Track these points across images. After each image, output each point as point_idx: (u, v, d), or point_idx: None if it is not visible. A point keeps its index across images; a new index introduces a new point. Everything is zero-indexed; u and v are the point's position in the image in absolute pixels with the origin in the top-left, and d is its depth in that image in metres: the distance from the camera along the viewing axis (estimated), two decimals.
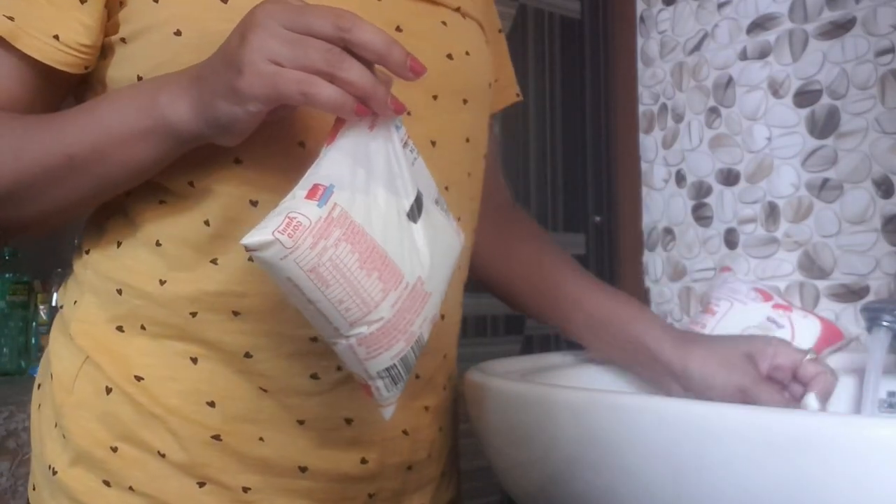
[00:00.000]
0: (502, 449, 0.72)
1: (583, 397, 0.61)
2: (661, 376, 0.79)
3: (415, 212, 0.56)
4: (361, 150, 0.54)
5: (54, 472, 0.65)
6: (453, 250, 0.60)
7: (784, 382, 0.75)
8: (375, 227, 0.53)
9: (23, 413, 1.17)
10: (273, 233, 0.49)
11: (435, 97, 0.67)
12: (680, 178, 1.17)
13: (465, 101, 0.70)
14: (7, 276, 1.56)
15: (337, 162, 0.53)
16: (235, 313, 0.62)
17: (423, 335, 0.57)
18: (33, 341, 1.57)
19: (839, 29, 0.99)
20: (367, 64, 0.53)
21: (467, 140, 0.72)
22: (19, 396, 1.23)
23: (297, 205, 0.50)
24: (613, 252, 1.16)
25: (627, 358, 0.82)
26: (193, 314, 0.62)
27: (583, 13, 1.92)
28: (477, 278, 0.87)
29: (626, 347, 0.80)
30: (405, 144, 0.57)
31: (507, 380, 0.71)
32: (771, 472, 0.50)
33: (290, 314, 0.62)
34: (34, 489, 0.68)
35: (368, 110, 0.53)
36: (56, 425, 0.66)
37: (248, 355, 0.62)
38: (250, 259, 0.52)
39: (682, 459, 0.54)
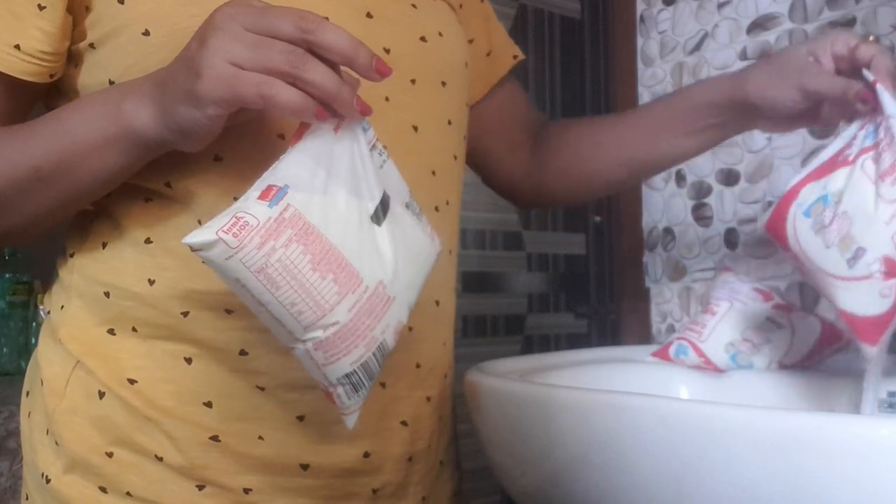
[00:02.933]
0: (502, 449, 0.72)
1: (583, 397, 0.61)
2: (738, 122, 0.78)
3: (379, 214, 0.54)
4: (325, 152, 0.53)
5: (48, 480, 0.64)
6: (425, 255, 0.59)
7: (848, 74, 0.71)
8: (333, 228, 0.51)
9: None
10: (217, 232, 0.48)
11: (413, 81, 0.67)
12: (680, 178, 1.17)
13: (443, 84, 0.70)
14: (7, 276, 1.56)
15: (296, 163, 0.52)
16: (228, 311, 0.61)
17: (386, 341, 0.55)
18: (33, 341, 1.57)
19: (839, 29, 0.99)
20: (333, 66, 0.52)
21: (449, 122, 0.71)
22: (19, 396, 1.23)
23: (247, 205, 0.49)
24: (613, 252, 1.16)
25: (707, 122, 0.80)
26: (185, 313, 0.62)
27: (583, 13, 1.92)
28: (569, 199, 0.95)
29: (704, 112, 0.79)
30: (373, 147, 0.55)
31: (507, 380, 0.71)
32: (771, 472, 0.50)
33: None
34: (27, 498, 0.67)
35: (328, 113, 0.52)
36: (48, 432, 0.65)
37: (242, 353, 0.62)
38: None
39: (683, 459, 0.54)
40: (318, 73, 0.50)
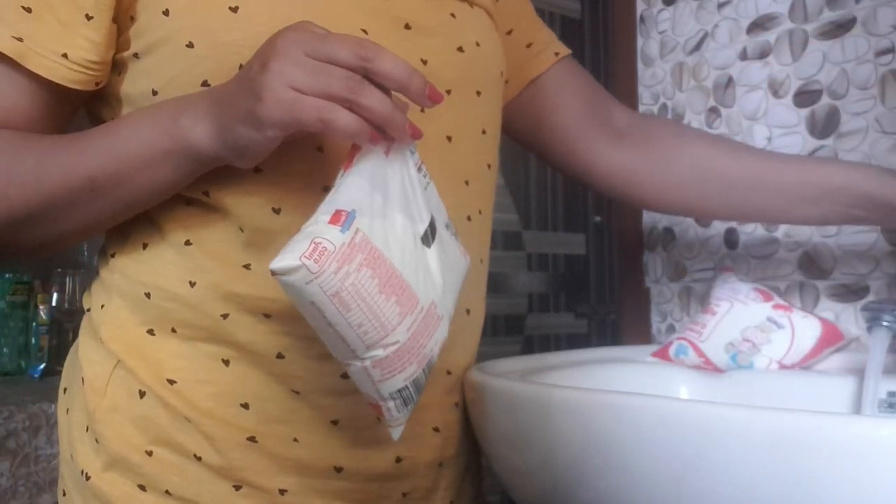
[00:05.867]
0: (502, 449, 0.72)
1: (583, 397, 0.61)
2: (881, 221, 0.78)
3: (428, 237, 0.57)
4: (378, 175, 0.54)
5: (87, 478, 0.64)
6: (460, 272, 0.61)
7: None
8: (394, 252, 0.53)
9: (23, 413, 1.17)
10: (300, 258, 0.49)
11: (448, 92, 0.67)
12: None
13: (478, 93, 0.70)
14: (7, 276, 1.56)
15: (356, 187, 0.53)
16: (266, 315, 0.62)
17: (433, 357, 0.58)
18: (33, 341, 1.57)
19: (839, 29, 0.99)
20: (385, 91, 0.53)
21: (483, 132, 0.72)
22: (19, 396, 1.23)
23: (321, 230, 0.51)
24: (613, 252, 1.16)
25: (847, 209, 0.78)
26: (224, 316, 0.62)
27: (583, 13, 1.92)
28: (656, 207, 0.89)
29: (843, 201, 0.77)
30: (419, 169, 0.57)
31: (507, 380, 0.71)
32: (771, 472, 0.50)
33: None
34: (64, 495, 0.68)
35: (383, 137, 0.54)
36: (87, 430, 0.65)
37: (279, 356, 0.63)
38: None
39: (683, 459, 0.54)
40: (374, 99, 0.52)
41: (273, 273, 0.50)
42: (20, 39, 0.60)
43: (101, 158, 0.59)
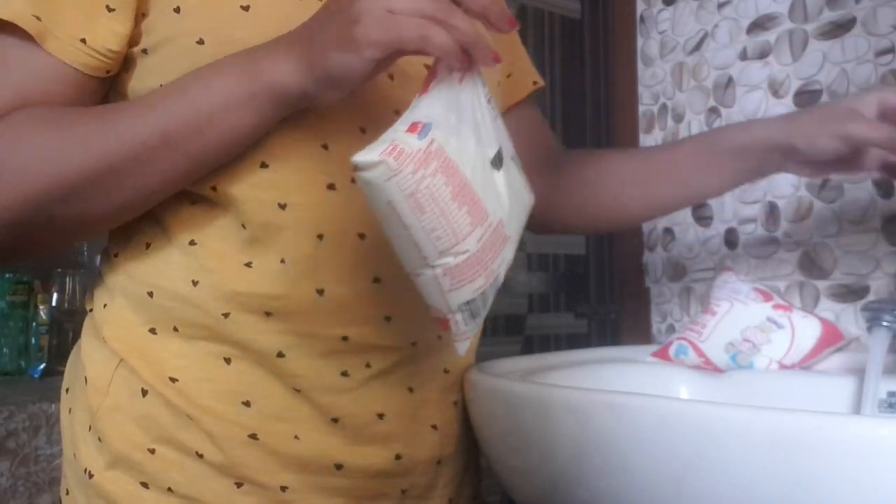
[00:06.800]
0: (502, 449, 0.72)
1: (583, 397, 0.61)
2: (774, 165, 0.79)
3: (497, 161, 0.59)
4: (453, 99, 0.57)
5: (90, 476, 0.65)
6: (525, 204, 0.63)
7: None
8: (466, 165, 0.56)
9: (23, 413, 1.17)
10: (380, 154, 0.51)
11: None
12: None
13: None
14: (7, 276, 1.57)
15: (433, 105, 0.56)
16: (267, 314, 0.63)
17: (499, 276, 0.60)
18: (33, 341, 1.57)
19: (839, 29, 0.99)
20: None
21: None
22: (19, 396, 1.23)
23: (399, 136, 0.53)
24: (613, 252, 1.16)
25: (742, 165, 0.80)
26: (226, 315, 0.63)
27: (583, 13, 1.92)
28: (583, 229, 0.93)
29: (739, 156, 0.79)
30: (489, 101, 0.59)
31: (507, 380, 0.71)
32: (771, 472, 0.50)
33: (321, 314, 0.63)
34: (67, 493, 0.68)
35: (468, 59, 0.56)
36: (90, 428, 0.66)
37: (280, 355, 0.63)
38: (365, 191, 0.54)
39: (683, 459, 0.54)
40: (464, 22, 0.55)
41: (355, 167, 0.52)
42: (38, 19, 0.60)
43: (174, 110, 0.58)
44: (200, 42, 0.61)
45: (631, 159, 0.87)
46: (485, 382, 0.71)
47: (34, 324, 1.58)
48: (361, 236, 0.64)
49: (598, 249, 2.00)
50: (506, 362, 0.84)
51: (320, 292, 0.63)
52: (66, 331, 1.60)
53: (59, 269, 1.61)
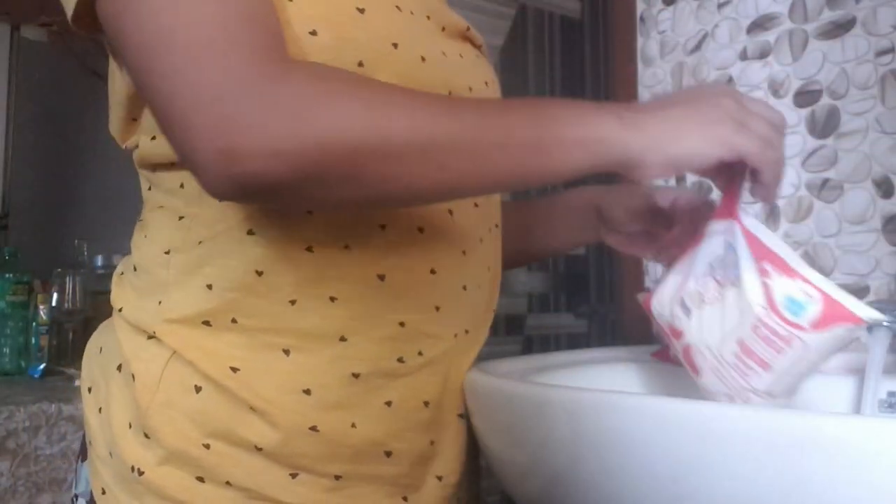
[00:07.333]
0: (501, 449, 0.72)
1: (582, 397, 0.61)
2: (594, 226, 0.88)
3: None
4: None
5: (140, 473, 0.64)
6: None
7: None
8: None
9: (23, 413, 1.17)
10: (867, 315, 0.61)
11: None
12: (680, 178, 1.17)
13: None
14: (7, 276, 1.57)
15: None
16: (332, 298, 0.64)
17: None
18: (33, 341, 1.58)
19: (839, 29, 0.99)
20: None
21: None
22: (19, 396, 1.23)
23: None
24: (613, 252, 1.16)
25: (578, 222, 0.89)
26: (293, 301, 0.64)
27: (583, 13, 1.92)
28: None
29: (573, 215, 0.89)
30: None
31: (507, 380, 0.71)
32: (771, 472, 0.50)
33: (381, 297, 0.65)
34: (104, 493, 0.67)
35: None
36: (130, 426, 0.65)
37: (342, 339, 0.64)
38: None
39: (682, 460, 0.54)
40: (781, 157, 0.66)
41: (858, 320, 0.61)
42: None
43: (524, 120, 0.60)
44: (314, 33, 0.61)
45: (512, 217, 0.89)
46: (485, 382, 0.71)
47: (34, 324, 1.58)
48: (420, 230, 0.66)
49: (598, 249, 2.00)
50: (506, 362, 0.84)
51: (381, 277, 0.64)
52: (66, 331, 1.60)
53: (59, 269, 1.61)
